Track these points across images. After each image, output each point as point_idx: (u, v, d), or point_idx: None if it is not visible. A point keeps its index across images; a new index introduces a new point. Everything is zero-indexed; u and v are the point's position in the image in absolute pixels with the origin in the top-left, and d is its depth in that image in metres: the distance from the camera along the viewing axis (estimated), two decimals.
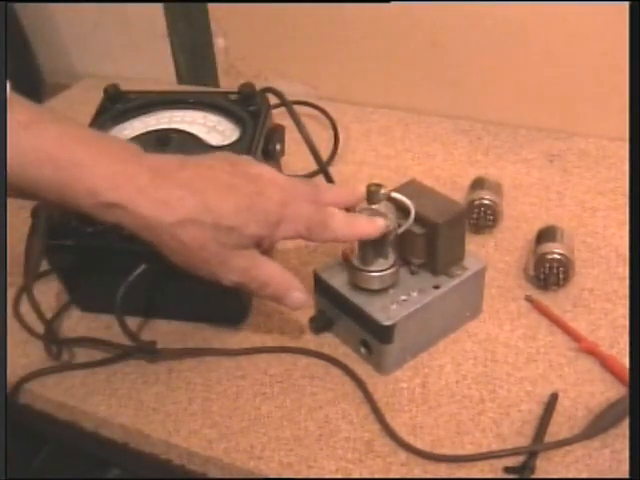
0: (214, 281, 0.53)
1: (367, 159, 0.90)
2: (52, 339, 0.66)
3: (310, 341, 0.65)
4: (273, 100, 0.77)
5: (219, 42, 1.08)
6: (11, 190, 0.49)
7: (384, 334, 0.58)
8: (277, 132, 0.74)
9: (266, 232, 0.52)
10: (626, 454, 0.53)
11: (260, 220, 0.52)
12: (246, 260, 0.53)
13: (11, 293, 0.70)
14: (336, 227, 0.55)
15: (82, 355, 0.66)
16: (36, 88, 1.18)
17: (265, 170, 0.54)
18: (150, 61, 1.15)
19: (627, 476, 0.52)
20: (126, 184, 0.49)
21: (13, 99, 0.48)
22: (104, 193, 0.48)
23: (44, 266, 0.65)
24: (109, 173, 0.49)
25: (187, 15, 1.07)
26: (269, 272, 0.55)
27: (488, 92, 0.94)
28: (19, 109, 0.48)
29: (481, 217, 0.74)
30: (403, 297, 0.59)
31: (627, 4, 0.68)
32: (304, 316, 0.66)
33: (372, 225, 0.56)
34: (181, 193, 0.50)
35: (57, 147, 0.48)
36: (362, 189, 0.57)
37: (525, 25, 0.87)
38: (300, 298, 0.56)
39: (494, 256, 0.72)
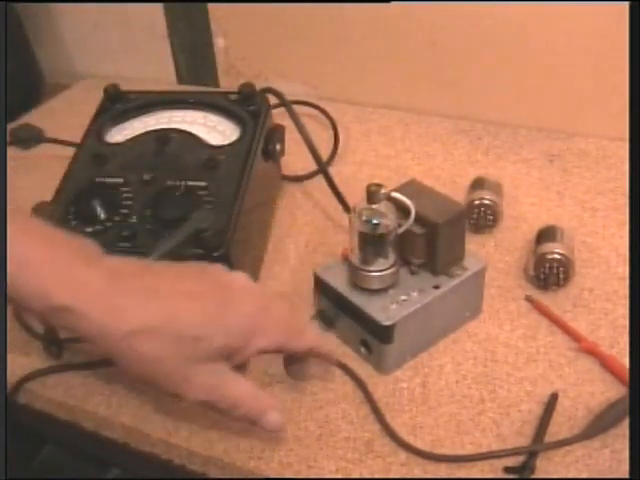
0: (179, 399, 0.48)
1: (367, 159, 0.90)
2: (52, 339, 0.65)
3: None
4: (273, 100, 0.77)
5: (219, 42, 1.08)
6: None
7: (384, 334, 0.58)
8: (277, 132, 0.74)
9: (239, 343, 0.48)
10: (626, 454, 0.53)
11: (231, 331, 0.47)
12: (213, 377, 0.48)
13: None
14: (308, 340, 0.52)
15: (82, 355, 0.66)
16: (36, 88, 1.18)
17: (237, 278, 0.50)
18: (150, 61, 1.15)
19: (627, 476, 0.52)
20: (79, 287, 0.44)
21: None
22: (54, 296, 0.43)
23: None
24: (61, 275, 0.44)
25: (187, 15, 1.07)
26: (239, 391, 0.49)
27: (488, 92, 0.94)
28: None
29: (481, 217, 0.74)
30: (403, 297, 0.59)
31: (627, 4, 0.68)
32: (304, 316, 0.66)
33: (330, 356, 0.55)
34: (141, 299, 0.45)
35: (17, 247, 0.44)
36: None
37: (525, 25, 0.87)
38: (276, 421, 0.51)
39: (494, 256, 0.72)
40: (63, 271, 0.44)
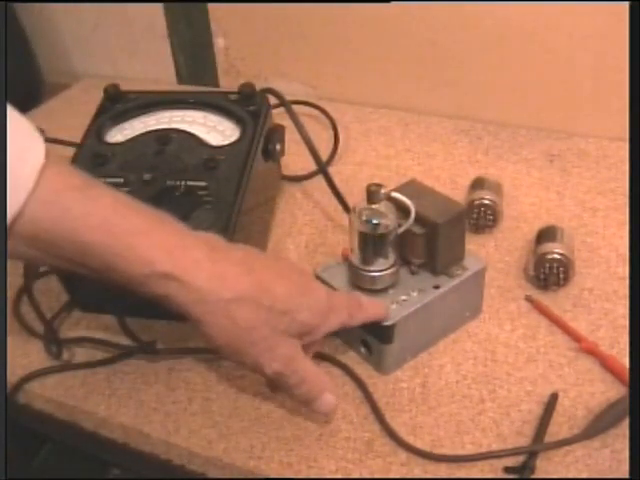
0: (255, 369, 0.51)
1: (367, 159, 0.90)
2: (52, 339, 0.66)
3: None
4: (273, 100, 0.77)
5: (219, 42, 1.08)
6: (53, 256, 0.47)
7: (384, 334, 0.58)
8: (277, 132, 0.74)
9: (317, 321, 0.52)
10: (626, 454, 0.53)
11: (312, 307, 0.51)
12: (291, 349, 0.51)
13: (11, 293, 0.70)
14: (368, 315, 0.56)
15: (82, 355, 0.66)
16: (36, 88, 1.18)
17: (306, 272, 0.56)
18: (150, 61, 1.15)
19: (627, 476, 0.52)
20: (183, 255, 0.47)
21: (61, 163, 0.48)
22: (160, 263, 0.46)
23: (44, 266, 0.65)
24: (166, 243, 0.47)
25: (187, 15, 1.07)
26: (308, 368, 0.53)
27: (488, 92, 0.94)
28: (70, 174, 0.47)
29: (481, 217, 0.74)
30: (403, 297, 0.59)
31: (627, 4, 0.68)
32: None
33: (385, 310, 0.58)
34: (238, 270, 0.49)
35: (112, 214, 0.46)
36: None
37: (525, 25, 0.87)
38: (331, 402, 0.55)
39: (494, 256, 0.72)
40: (167, 240, 0.47)
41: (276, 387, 0.57)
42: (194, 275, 0.47)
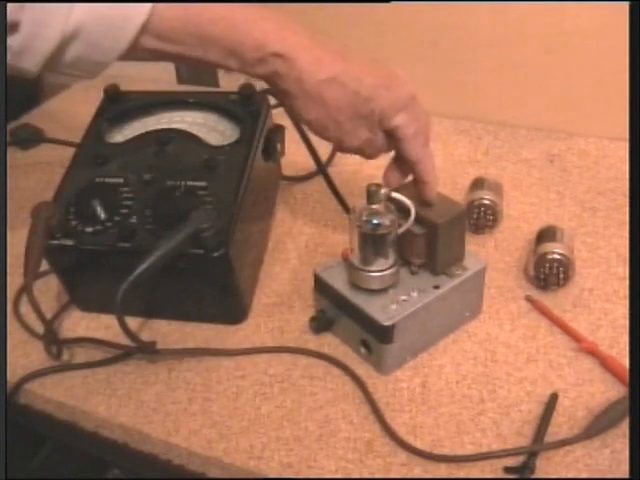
0: (337, 144, 0.61)
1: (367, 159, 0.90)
2: (52, 339, 0.66)
3: (310, 341, 0.65)
4: (272, 100, 0.77)
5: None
6: (171, 50, 0.55)
7: (384, 334, 0.58)
8: (277, 132, 0.74)
9: (391, 111, 0.58)
10: (626, 454, 0.53)
11: (391, 99, 0.58)
12: (371, 132, 0.59)
13: (11, 293, 0.70)
14: (429, 154, 0.62)
15: (82, 355, 0.66)
16: (36, 88, 1.18)
17: (400, 73, 0.61)
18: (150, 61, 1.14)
19: (627, 476, 0.52)
20: (292, 37, 0.56)
21: None
22: (272, 44, 0.55)
23: (44, 266, 0.65)
24: (277, 28, 0.56)
25: None
26: (381, 144, 0.61)
27: (488, 92, 0.94)
28: None
29: (481, 217, 0.74)
30: (403, 297, 0.59)
31: (627, 4, 0.68)
32: (304, 316, 0.66)
33: (436, 180, 0.62)
34: (335, 56, 0.57)
35: (225, 11, 0.55)
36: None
37: (525, 25, 0.87)
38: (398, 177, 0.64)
39: (494, 256, 0.72)
40: (280, 26, 0.56)
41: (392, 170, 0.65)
42: (300, 55, 0.55)
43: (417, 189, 0.61)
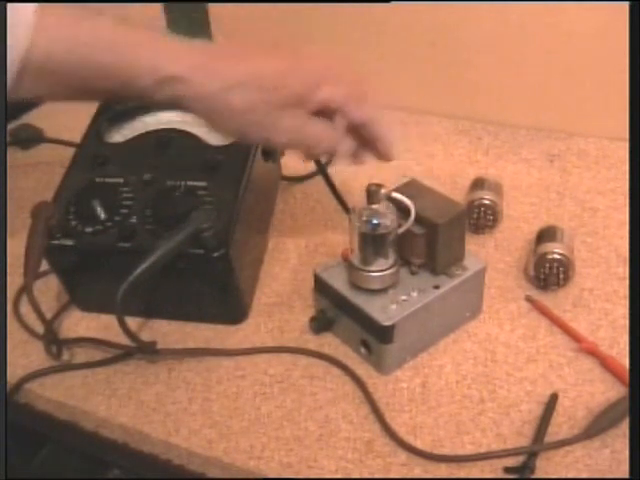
0: (269, 145, 0.58)
1: (367, 159, 0.90)
2: (52, 339, 0.66)
3: (310, 341, 0.65)
4: None
5: (219, 42, 1.07)
6: (65, 85, 0.52)
7: (384, 334, 0.58)
8: None
9: (308, 90, 0.56)
10: (626, 454, 0.53)
11: (302, 79, 0.56)
12: (295, 119, 0.56)
13: (11, 293, 0.70)
14: (368, 110, 0.59)
15: (82, 355, 0.66)
16: None
17: (314, 53, 0.60)
18: None
19: (627, 476, 0.52)
20: (184, 58, 0.53)
21: (57, 6, 0.53)
22: (165, 67, 0.52)
23: (44, 266, 0.65)
24: (167, 50, 0.53)
25: (187, 15, 1.07)
26: (320, 128, 0.58)
27: (488, 92, 0.94)
28: (67, 8, 0.53)
29: (481, 217, 0.74)
30: (403, 297, 0.59)
31: (627, 4, 0.68)
32: (304, 316, 0.66)
33: (390, 133, 0.61)
34: (229, 62, 0.55)
35: (115, 35, 0.53)
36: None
37: (525, 25, 0.87)
38: (349, 147, 0.61)
39: (494, 256, 0.72)
40: (170, 47, 0.54)
41: (309, 156, 0.63)
42: (193, 74, 0.53)
43: (376, 150, 0.61)
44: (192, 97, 0.54)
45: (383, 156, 0.61)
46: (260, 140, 0.58)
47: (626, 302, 0.66)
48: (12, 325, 0.68)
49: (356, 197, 0.58)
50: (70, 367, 0.65)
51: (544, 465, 0.53)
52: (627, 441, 0.54)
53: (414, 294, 0.60)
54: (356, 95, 0.59)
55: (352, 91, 0.58)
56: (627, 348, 0.62)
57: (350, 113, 0.58)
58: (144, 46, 0.53)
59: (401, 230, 0.58)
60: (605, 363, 0.60)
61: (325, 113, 0.57)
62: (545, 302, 0.66)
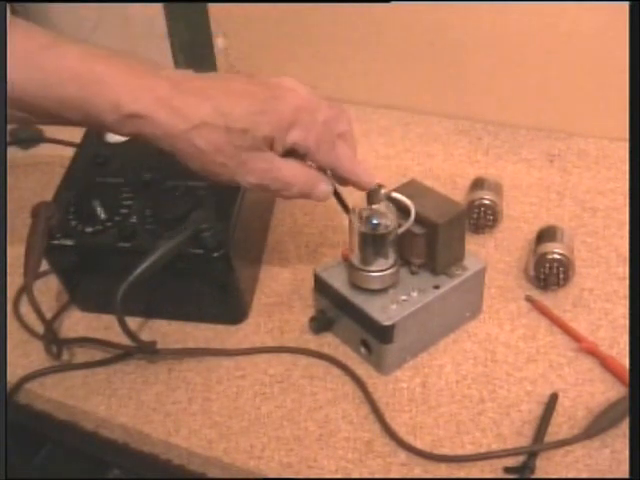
0: (236, 185, 0.55)
1: (367, 159, 0.90)
2: (52, 339, 0.66)
3: (310, 341, 0.65)
4: None
5: (219, 42, 1.07)
6: (35, 114, 0.51)
7: (384, 334, 0.58)
8: None
9: (277, 134, 0.52)
10: (626, 454, 0.53)
11: (272, 121, 0.52)
12: (264, 162, 0.53)
13: (11, 293, 0.70)
14: (342, 154, 0.56)
15: (82, 355, 0.66)
16: None
17: (286, 80, 0.55)
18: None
19: (627, 476, 0.52)
20: (146, 95, 0.51)
21: (27, 25, 0.52)
22: (126, 105, 0.50)
23: (44, 266, 0.65)
24: (130, 86, 0.51)
25: (187, 15, 1.07)
26: (290, 171, 0.54)
27: (488, 92, 0.94)
28: (38, 34, 0.51)
29: (481, 217, 0.74)
30: (403, 297, 0.59)
31: (627, 4, 0.68)
32: (304, 316, 0.66)
33: (369, 176, 0.57)
34: (195, 100, 0.51)
35: (80, 65, 0.50)
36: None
37: (525, 25, 0.87)
38: (325, 190, 0.57)
39: (494, 256, 0.72)
40: (132, 83, 0.51)
41: (280, 197, 0.59)
42: (156, 113, 0.50)
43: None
44: (156, 135, 0.52)
45: (360, 189, 0.58)
46: (227, 181, 0.54)
47: (626, 302, 0.66)
48: (12, 325, 0.68)
49: (356, 197, 0.58)
50: (70, 367, 0.65)
51: (544, 465, 0.53)
52: (627, 441, 0.54)
53: (414, 294, 0.60)
54: (325, 139, 0.54)
55: (321, 135, 0.54)
56: (627, 348, 0.62)
57: (320, 160, 0.55)
58: (107, 81, 0.50)
59: (401, 230, 0.58)
60: (605, 363, 0.60)
61: (297, 152, 0.54)
62: (545, 302, 0.66)
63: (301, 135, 0.53)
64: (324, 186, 0.56)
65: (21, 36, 0.50)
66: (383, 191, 0.57)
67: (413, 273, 0.62)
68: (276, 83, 0.54)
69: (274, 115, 0.52)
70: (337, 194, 0.76)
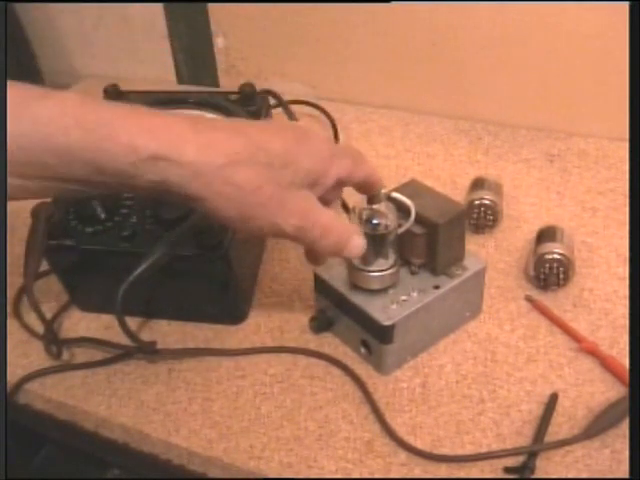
0: (274, 232, 0.49)
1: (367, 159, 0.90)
2: (52, 339, 0.66)
3: (310, 341, 0.65)
4: (272, 101, 0.77)
5: (219, 42, 1.08)
6: (35, 176, 0.44)
7: (384, 334, 0.58)
8: None
9: (320, 166, 0.49)
10: (626, 454, 0.53)
11: (313, 154, 0.49)
12: (306, 202, 0.49)
13: (11, 293, 0.70)
14: (369, 167, 0.54)
15: (82, 355, 0.66)
16: None
17: (303, 125, 0.53)
18: (150, 61, 1.15)
19: (627, 476, 0.52)
20: (165, 133, 0.44)
21: (19, 83, 0.44)
22: (144, 146, 0.43)
23: (44, 266, 0.65)
24: (144, 125, 0.44)
25: (187, 15, 1.07)
26: (330, 217, 0.50)
27: (488, 92, 0.94)
28: (27, 86, 0.44)
29: (481, 217, 0.74)
30: (403, 297, 0.59)
31: (627, 4, 0.68)
32: (304, 316, 0.66)
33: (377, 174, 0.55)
34: (227, 134, 0.46)
35: (82, 110, 0.43)
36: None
37: (525, 25, 0.87)
38: (360, 244, 0.53)
39: (494, 256, 0.72)
40: (146, 122, 0.44)
41: (315, 258, 0.57)
42: (182, 150, 0.44)
43: (367, 192, 0.56)
44: (184, 177, 0.44)
45: (374, 194, 0.56)
46: (265, 225, 0.48)
47: (626, 302, 0.66)
48: (12, 325, 0.68)
49: (356, 197, 0.58)
50: (70, 367, 0.65)
51: (544, 465, 0.53)
52: (627, 441, 0.54)
53: (414, 294, 0.60)
54: (358, 157, 0.53)
55: (357, 159, 0.53)
56: (627, 348, 0.62)
57: (359, 175, 0.53)
58: (117, 122, 0.43)
59: (401, 230, 0.58)
60: (605, 363, 0.60)
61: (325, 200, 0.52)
62: (545, 302, 0.66)
63: (344, 163, 0.51)
64: (359, 239, 0.53)
65: (12, 89, 0.43)
66: (383, 191, 0.57)
67: (413, 273, 0.62)
68: (297, 124, 0.52)
69: (312, 149, 0.49)
70: None
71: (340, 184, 0.52)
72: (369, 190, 0.56)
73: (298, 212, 0.48)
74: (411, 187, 0.62)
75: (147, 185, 0.44)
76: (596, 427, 0.55)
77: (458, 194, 0.77)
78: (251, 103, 0.73)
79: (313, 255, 0.57)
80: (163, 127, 0.44)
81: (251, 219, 0.47)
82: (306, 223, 0.49)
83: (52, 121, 0.42)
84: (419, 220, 0.58)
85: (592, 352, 0.61)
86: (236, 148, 0.45)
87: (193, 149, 0.44)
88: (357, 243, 0.53)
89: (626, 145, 0.85)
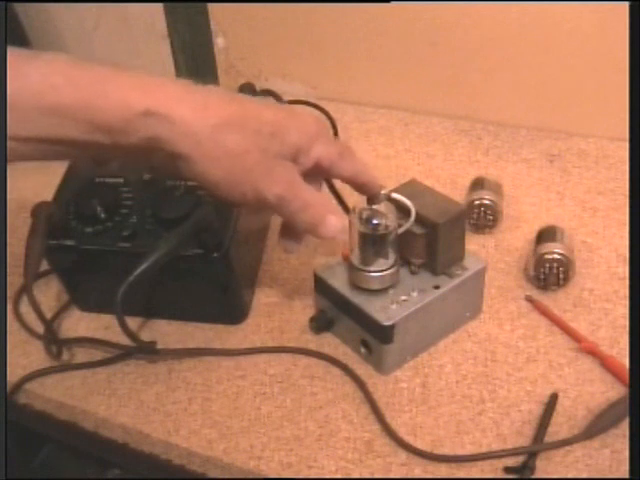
0: (256, 199, 0.49)
1: (367, 159, 0.90)
2: (52, 339, 0.66)
3: (310, 341, 0.65)
4: (272, 100, 0.77)
5: (219, 42, 1.08)
6: (28, 137, 0.43)
7: (384, 334, 0.58)
8: None
9: (305, 141, 0.50)
10: (626, 454, 0.53)
11: (300, 130, 0.50)
12: (289, 173, 0.49)
13: (11, 293, 0.70)
14: (357, 162, 0.54)
15: (82, 355, 0.66)
16: None
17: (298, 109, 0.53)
18: (150, 61, 1.15)
19: (627, 476, 0.52)
20: (159, 90, 0.44)
21: (8, 47, 0.44)
22: (137, 102, 0.43)
23: (44, 266, 0.65)
24: (137, 83, 0.44)
25: (187, 15, 1.07)
26: (311, 192, 0.50)
27: (488, 92, 0.94)
28: (21, 49, 0.44)
29: (481, 217, 0.74)
30: (403, 297, 0.59)
31: (627, 4, 0.68)
32: (304, 316, 0.66)
33: (371, 173, 0.55)
34: (221, 98, 0.47)
35: (72, 69, 0.44)
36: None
37: (525, 25, 0.87)
38: (337, 224, 0.51)
39: (494, 256, 0.72)
40: (139, 80, 0.45)
41: (289, 235, 0.56)
42: (175, 108, 0.44)
43: (365, 192, 0.56)
44: (175, 134, 0.44)
45: (372, 195, 0.56)
46: (249, 191, 0.48)
47: (626, 302, 0.66)
48: (12, 325, 0.68)
49: (356, 197, 0.58)
50: (70, 367, 0.65)
51: (544, 465, 0.53)
52: (627, 441, 0.54)
53: (414, 294, 0.60)
54: (347, 151, 0.54)
55: (342, 147, 0.53)
56: (627, 348, 0.62)
57: (344, 169, 0.53)
58: (110, 79, 0.44)
59: (401, 230, 0.58)
60: (605, 363, 0.60)
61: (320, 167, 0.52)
62: (545, 302, 0.66)
63: (325, 148, 0.51)
64: (335, 219, 0.51)
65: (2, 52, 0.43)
66: (383, 191, 0.57)
67: (413, 273, 0.62)
68: (288, 105, 0.53)
69: (301, 124, 0.50)
70: (337, 194, 0.77)
71: (320, 171, 0.52)
72: (367, 190, 0.56)
73: (282, 182, 0.49)
74: (411, 187, 0.62)
75: (138, 142, 0.45)
76: (596, 427, 0.55)
77: (458, 194, 0.77)
78: None
79: (288, 232, 0.56)
80: (157, 86, 0.45)
81: (235, 184, 0.48)
82: (288, 194, 0.49)
83: (42, 80, 0.43)
84: (419, 220, 0.58)
85: (592, 352, 0.61)
86: (228, 111, 0.46)
87: (186, 108, 0.45)
88: (333, 222, 0.51)
89: (626, 145, 0.85)
